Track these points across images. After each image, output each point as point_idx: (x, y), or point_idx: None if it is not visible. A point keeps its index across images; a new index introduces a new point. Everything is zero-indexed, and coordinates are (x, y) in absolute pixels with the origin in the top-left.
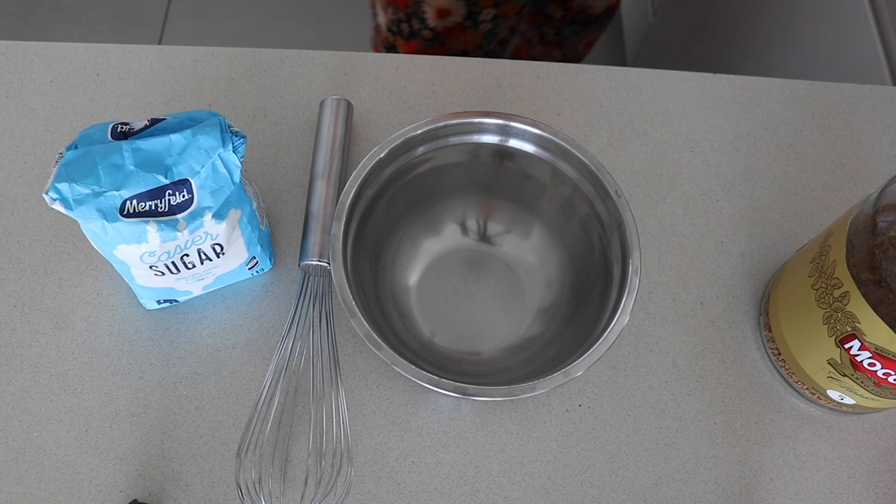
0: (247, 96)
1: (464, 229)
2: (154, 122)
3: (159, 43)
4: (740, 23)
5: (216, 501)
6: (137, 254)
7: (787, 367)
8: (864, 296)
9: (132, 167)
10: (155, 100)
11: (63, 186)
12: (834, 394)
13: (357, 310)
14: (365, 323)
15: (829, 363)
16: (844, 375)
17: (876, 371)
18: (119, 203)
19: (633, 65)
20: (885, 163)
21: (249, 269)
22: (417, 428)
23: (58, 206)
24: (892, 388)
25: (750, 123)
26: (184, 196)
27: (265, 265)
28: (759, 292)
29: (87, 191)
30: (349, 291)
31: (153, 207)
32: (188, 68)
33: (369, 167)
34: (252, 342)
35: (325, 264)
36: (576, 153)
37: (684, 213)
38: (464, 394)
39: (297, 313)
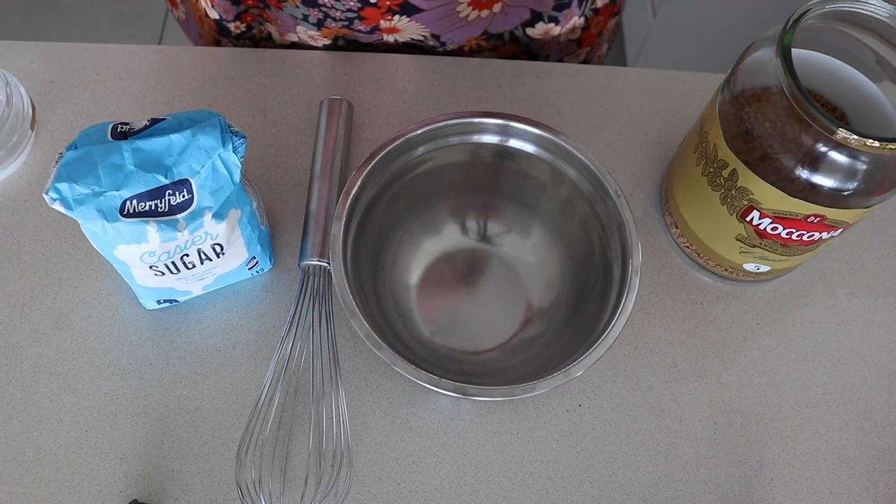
0: (247, 96)
1: (464, 229)
2: (154, 122)
3: (159, 43)
4: (741, 22)
5: (216, 501)
6: (137, 254)
7: (701, 255)
8: (748, 166)
9: (132, 167)
10: (155, 100)
11: (63, 186)
12: (750, 266)
13: (357, 310)
14: (365, 323)
15: (737, 240)
16: (754, 246)
17: (780, 233)
18: (119, 203)
19: (633, 65)
20: None
21: (249, 269)
22: (417, 428)
23: (58, 206)
24: (797, 245)
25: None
26: (184, 196)
27: (265, 265)
28: (758, 291)
29: (87, 191)
30: (349, 291)
31: (153, 207)
32: (188, 68)
33: (369, 167)
34: (252, 342)
35: (325, 264)
36: (576, 153)
37: None
38: (464, 394)
39: (297, 313)
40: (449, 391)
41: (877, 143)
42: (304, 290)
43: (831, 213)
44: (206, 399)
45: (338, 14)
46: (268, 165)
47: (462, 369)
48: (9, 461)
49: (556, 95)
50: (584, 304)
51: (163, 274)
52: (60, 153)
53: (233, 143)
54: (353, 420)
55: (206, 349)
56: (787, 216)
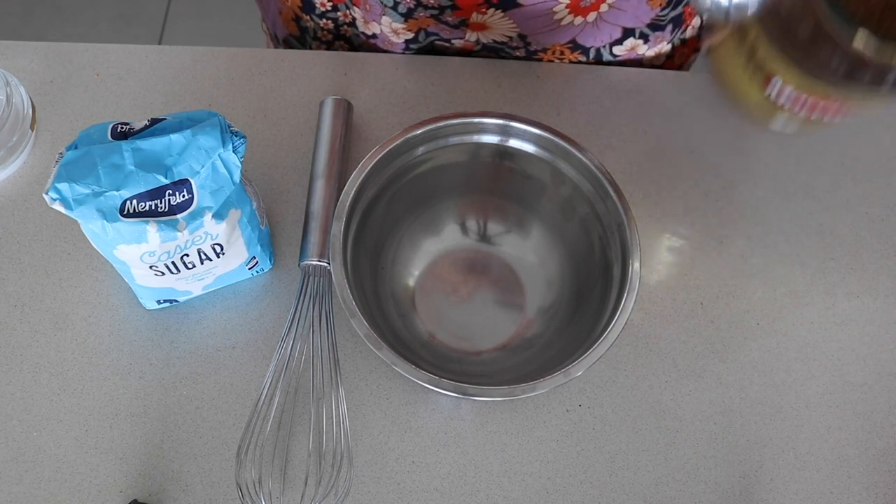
0: (247, 96)
1: (464, 229)
2: (154, 122)
3: (159, 43)
4: None
5: (216, 501)
6: (137, 254)
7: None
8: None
9: (132, 167)
10: (155, 100)
11: (63, 186)
12: (777, 125)
13: (357, 310)
14: (365, 323)
15: (764, 100)
16: (776, 110)
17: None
18: (119, 203)
19: None
20: (885, 163)
21: (249, 269)
22: (417, 428)
23: (58, 206)
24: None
25: (750, 123)
26: (184, 196)
27: (265, 265)
28: (758, 291)
29: (87, 191)
30: (349, 291)
31: (153, 207)
32: (188, 68)
33: (369, 167)
34: (252, 342)
35: (325, 264)
36: (576, 153)
37: (684, 213)
38: (464, 394)
39: (297, 313)
40: (449, 391)
41: None
42: (304, 290)
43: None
44: (206, 399)
45: (431, 1)
46: (268, 165)
47: (462, 369)
48: (9, 461)
49: (556, 95)
50: (584, 304)
51: (163, 274)
52: (60, 153)
53: (233, 143)
54: (353, 420)
55: (206, 349)
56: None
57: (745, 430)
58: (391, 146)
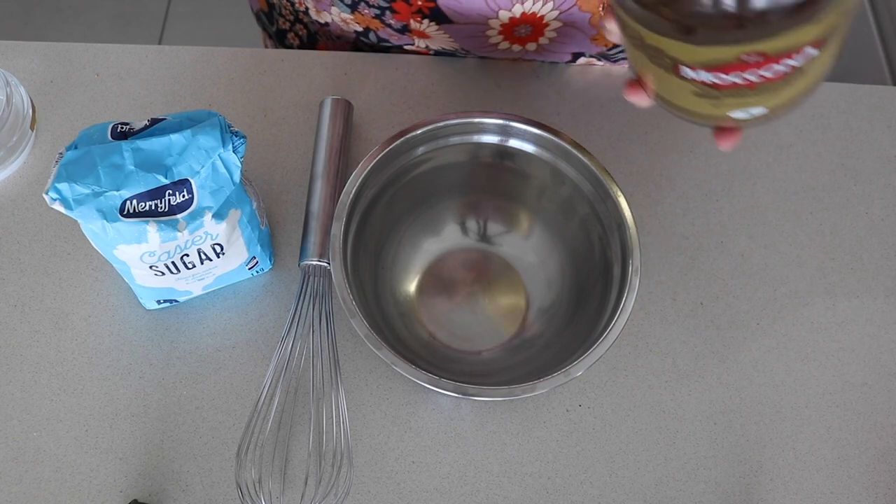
0: (247, 96)
1: (464, 229)
2: (154, 122)
3: (159, 43)
4: None
5: (216, 501)
6: (137, 254)
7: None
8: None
9: (132, 167)
10: (155, 100)
11: (63, 186)
12: (737, 114)
13: (357, 310)
14: (365, 323)
15: (695, 95)
16: (718, 97)
17: (723, 82)
18: (119, 203)
19: None
20: (885, 163)
21: (249, 269)
22: (417, 428)
23: (58, 206)
24: (766, 83)
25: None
26: (184, 196)
27: (265, 265)
28: (758, 291)
29: (87, 191)
30: (349, 291)
31: (153, 207)
32: (188, 68)
33: (369, 167)
34: (252, 342)
35: (325, 264)
36: (576, 153)
37: (684, 213)
38: (464, 394)
39: (297, 313)
40: (449, 391)
41: None
42: (304, 290)
43: (766, 45)
44: (206, 399)
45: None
46: (268, 165)
47: (462, 369)
48: (9, 461)
49: (556, 95)
50: (584, 304)
51: (163, 274)
52: (60, 153)
53: (233, 143)
54: (353, 420)
55: (207, 349)
56: (726, 64)
57: (745, 430)
58: (391, 146)
